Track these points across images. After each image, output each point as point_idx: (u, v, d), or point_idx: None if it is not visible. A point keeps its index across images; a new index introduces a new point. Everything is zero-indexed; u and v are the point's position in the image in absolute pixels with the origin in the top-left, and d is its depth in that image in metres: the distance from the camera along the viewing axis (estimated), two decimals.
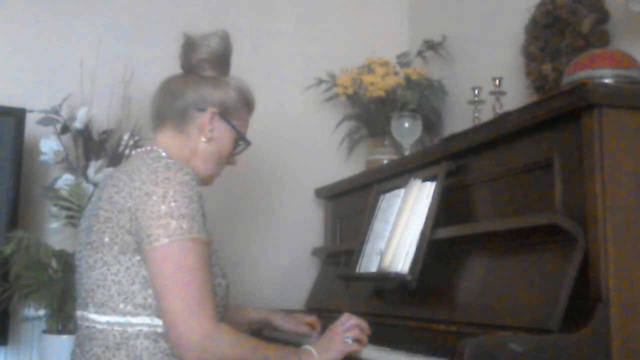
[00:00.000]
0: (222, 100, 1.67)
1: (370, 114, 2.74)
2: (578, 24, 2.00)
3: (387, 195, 2.12)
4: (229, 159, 1.74)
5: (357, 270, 2.11)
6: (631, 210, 1.42)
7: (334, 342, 1.66)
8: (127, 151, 2.32)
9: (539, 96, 2.10)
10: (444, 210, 1.86)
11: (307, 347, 1.63)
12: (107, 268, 1.49)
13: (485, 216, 1.79)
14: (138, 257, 1.47)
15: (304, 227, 2.84)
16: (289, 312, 2.10)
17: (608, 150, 1.42)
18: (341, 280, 2.22)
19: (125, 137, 2.38)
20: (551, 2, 2.10)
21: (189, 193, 1.48)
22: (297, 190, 2.86)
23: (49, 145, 2.34)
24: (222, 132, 1.68)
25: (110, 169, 2.12)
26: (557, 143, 1.53)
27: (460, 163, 1.87)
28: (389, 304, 1.98)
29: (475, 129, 1.86)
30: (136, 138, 2.36)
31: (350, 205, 2.57)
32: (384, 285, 2.01)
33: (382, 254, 1.95)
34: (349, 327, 1.69)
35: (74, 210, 2.22)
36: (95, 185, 2.24)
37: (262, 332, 2.19)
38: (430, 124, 2.68)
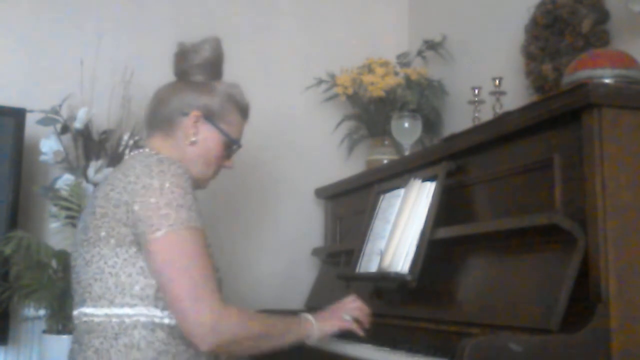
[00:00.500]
0: (205, 104, 1.69)
1: (370, 114, 2.74)
2: (578, 24, 2.00)
3: (387, 195, 2.12)
4: (223, 161, 1.75)
5: (357, 270, 2.10)
6: (631, 210, 1.42)
7: (334, 316, 1.73)
8: (127, 151, 2.32)
9: (539, 96, 2.09)
10: (444, 210, 1.85)
11: (307, 315, 1.69)
12: (104, 261, 1.51)
13: (485, 216, 1.79)
14: (134, 249, 1.50)
15: (304, 227, 2.84)
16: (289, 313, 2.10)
17: (608, 150, 1.42)
18: (341, 280, 2.22)
19: (125, 137, 2.38)
20: (551, 2, 2.10)
21: (184, 185, 1.52)
22: (297, 190, 2.86)
23: (49, 145, 2.34)
24: (207, 135, 1.70)
25: (110, 169, 2.13)
26: (557, 143, 1.53)
27: (460, 163, 1.87)
28: (389, 304, 1.98)
29: (475, 129, 1.86)
30: (136, 138, 2.36)
31: (350, 206, 2.57)
32: (384, 285, 2.01)
33: (382, 254, 1.95)
34: (352, 307, 1.77)
35: (74, 210, 2.22)
36: (95, 185, 2.24)
37: None
38: (430, 124, 2.68)
